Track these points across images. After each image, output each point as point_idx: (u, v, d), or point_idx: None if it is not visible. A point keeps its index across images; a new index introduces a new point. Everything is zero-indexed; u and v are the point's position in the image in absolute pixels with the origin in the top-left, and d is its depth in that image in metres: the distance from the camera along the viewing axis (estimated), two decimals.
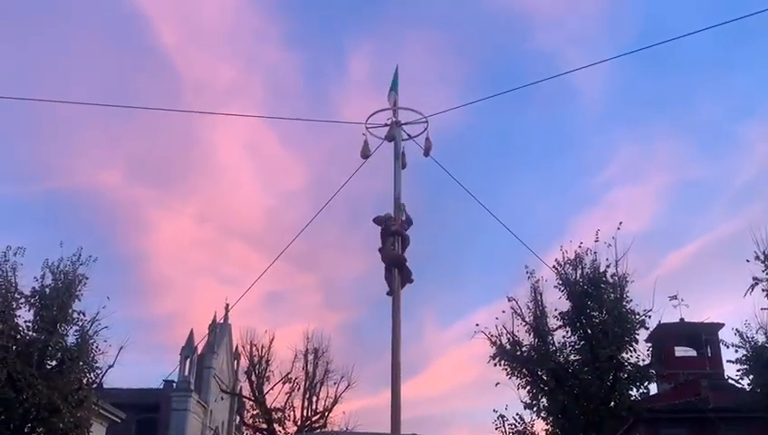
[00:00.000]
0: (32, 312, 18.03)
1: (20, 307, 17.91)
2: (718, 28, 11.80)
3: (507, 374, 19.36)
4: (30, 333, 17.83)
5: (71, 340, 18.40)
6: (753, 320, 18.84)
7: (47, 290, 18.16)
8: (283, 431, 30.44)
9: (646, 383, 19.31)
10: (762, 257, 18.36)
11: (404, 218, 11.44)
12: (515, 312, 19.75)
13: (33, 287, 18.12)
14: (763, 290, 18.34)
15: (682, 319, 32.07)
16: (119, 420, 27.32)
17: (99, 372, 18.88)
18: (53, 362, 18.03)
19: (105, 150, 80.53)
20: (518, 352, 19.36)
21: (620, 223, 19.52)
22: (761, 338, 18.65)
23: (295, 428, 30.91)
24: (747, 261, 18.54)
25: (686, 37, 12.26)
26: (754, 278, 18.39)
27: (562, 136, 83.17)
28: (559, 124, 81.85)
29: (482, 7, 79.77)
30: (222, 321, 45.43)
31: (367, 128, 11.94)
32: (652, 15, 79.60)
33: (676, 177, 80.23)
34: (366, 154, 11.89)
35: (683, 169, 78.81)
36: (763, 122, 78.77)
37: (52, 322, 17.85)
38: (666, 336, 30.90)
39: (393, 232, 11.14)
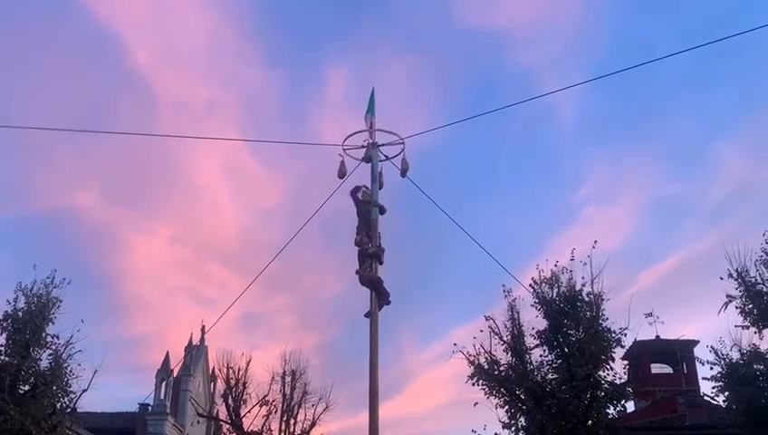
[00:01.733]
0: (4, 336, 17.74)
1: None
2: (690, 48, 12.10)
3: (485, 394, 19.28)
4: (2, 357, 17.54)
5: (44, 364, 18.08)
6: (727, 337, 19.01)
7: (20, 313, 17.87)
8: None
9: (623, 401, 19.35)
10: (735, 275, 18.64)
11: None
12: (493, 331, 19.70)
13: (6, 311, 17.86)
14: (736, 307, 18.60)
15: (658, 336, 32.34)
16: None
17: (73, 396, 18.52)
18: (26, 387, 17.70)
19: (80, 171, 79.90)
20: (496, 372, 19.32)
21: (595, 242, 19.57)
22: (735, 355, 18.82)
23: None
24: (721, 278, 18.85)
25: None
26: (728, 295, 18.68)
27: (538, 156, 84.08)
28: (534, 144, 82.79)
29: (458, 29, 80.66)
30: (198, 343, 44.95)
31: (344, 149, 12.06)
32: (626, 35, 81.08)
33: (650, 195, 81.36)
34: (343, 175, 11.98)
35: (656, 188, 79.97)
36: (735, 141, 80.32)
37: (24, 346, 17.55)
38: (642, 353, 31.21)
39: (370, 254, 11.21)
